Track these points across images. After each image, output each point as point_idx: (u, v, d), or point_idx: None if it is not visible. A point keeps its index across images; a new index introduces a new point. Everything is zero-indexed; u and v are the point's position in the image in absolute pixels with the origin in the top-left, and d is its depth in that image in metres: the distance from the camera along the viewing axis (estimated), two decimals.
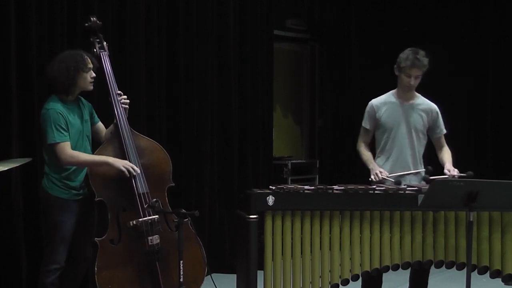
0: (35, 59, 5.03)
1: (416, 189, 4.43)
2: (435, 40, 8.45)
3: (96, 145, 4.62)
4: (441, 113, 4.98)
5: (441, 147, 4.96)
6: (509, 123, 8.28)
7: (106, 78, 4.63)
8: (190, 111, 6.41)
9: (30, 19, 5.03)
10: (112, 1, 5.68)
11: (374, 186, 4.49)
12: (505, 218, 4.39)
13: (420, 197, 4.30)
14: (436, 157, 4.95)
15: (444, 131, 4.97)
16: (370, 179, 4.67)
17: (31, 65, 5.04)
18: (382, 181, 4.64)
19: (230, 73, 6.81)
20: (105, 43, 4.73)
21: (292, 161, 7.85)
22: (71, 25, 5.29)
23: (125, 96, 4.63)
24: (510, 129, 8.24)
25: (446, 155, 4.89)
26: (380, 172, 4.66)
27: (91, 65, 4.46)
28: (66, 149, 4.34)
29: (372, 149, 4.92)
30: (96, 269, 4.32)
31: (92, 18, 4.75)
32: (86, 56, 4.45)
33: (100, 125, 4.70)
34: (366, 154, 4.83)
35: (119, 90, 4.64)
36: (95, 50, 4.68)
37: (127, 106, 4.63)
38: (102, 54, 4.68)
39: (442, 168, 4.81)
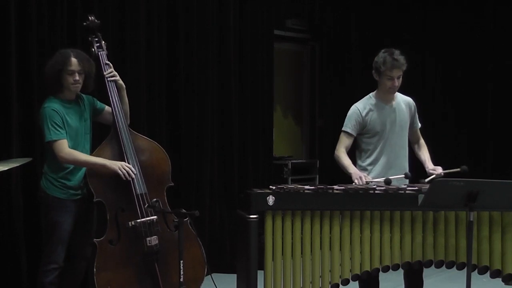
0: (35, 59, 5.03)
1: (416, 189, 4.42)
2: (436, 40, 8.47)
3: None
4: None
5: (417, 140, 4.97)
6: (510, 122, 8.27)
7: (104, 78, 4.61)
8: (190, 111, 6.41)
9: (31, 20, 5.03)
10: (113, 1, 5.68)
11: (374, 186, 4.48)
12: (505, 218, 4.38)
13: (420, 197, 4.30)
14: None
15: (420, 124, 4.98)
16: (354, 183, 4.61)
17: (31, 65, 5.04)
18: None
19: (230, 73, 6.81)
20: (103, 42, 4.70)
21: (292, 161, 7.85)
22: (71, 26, 5.29)
23: (112, 70, 4.61)
24: (511, 129, 8.24)
25: (424, 152, 4.93)
26: (365, 176, 4.61)
27: (72, 68, 4.35)
28: (63, 146, 4.33)
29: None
30: (95, 269, 4.32)
31: (90, 17, 4.73)
32: (72, 58, 4.36)
33: (108, 108, 4.63)
34: (346, 159, 4.73)
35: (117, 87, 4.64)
36: (93, 49, 4.66)
37: (116, 78, 4.60)
38: (100, 54, 4.66)
39: (420, 164, 4.84)
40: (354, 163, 4.79)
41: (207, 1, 6.55)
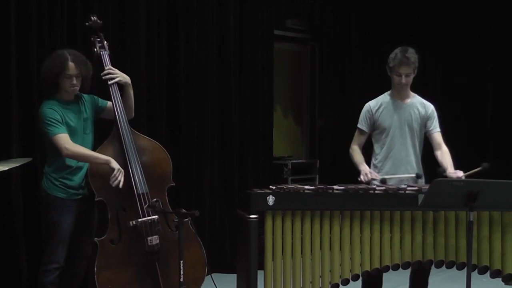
0: (35, 59, 5.03)
1: (416, 189, 4.43)
2: (436, 40, 8.47)
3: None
4: (441, 113, 4.96)
5: (439, 147, 4.86)
6: (510, 122, 8.28)
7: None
8: (191, 111, 6.41)
9: (31, 20, 5.03)
10: (113, 1, 5.69)
11: (374, 186, 4.49)
12: (505, 218, 4.39)
13: (420, 197, 4.30)
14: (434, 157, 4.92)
15: (439, 129, 4.93)
16: (359, 179, 4.66)
17: (31, 65, 5.04)
18: (369, 182, 4.64)
19: (230, 73, 6.82)
20: (105, 42, 4.71)
21: (292, 161, 7.85)
22: (71, 26, 5.29)
23: (109, 71, 4.59)
24: (511, 129, 8.24)
25: (447, 158, 4.80)
26: (370, 172, 4.67)
27: (70, 72, 4.34)
28: (66, 140, 4.32)
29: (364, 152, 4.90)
30: (96, 269, 4.32)
31: (92, 17, 4.73)
32: (69, 62, 4.34)
33: (111, 104, 4.62)
34: (358, 156, 4.81)
35: (118, 87, 4.63)
36: (95, 49, 4.66)
37: (118, 79, 4.58)
38: (102, 54, 4.66)
39: (441, 172, 4.80)
40: (369, 162, 4.83)
41: (207, 1, 6.55)
